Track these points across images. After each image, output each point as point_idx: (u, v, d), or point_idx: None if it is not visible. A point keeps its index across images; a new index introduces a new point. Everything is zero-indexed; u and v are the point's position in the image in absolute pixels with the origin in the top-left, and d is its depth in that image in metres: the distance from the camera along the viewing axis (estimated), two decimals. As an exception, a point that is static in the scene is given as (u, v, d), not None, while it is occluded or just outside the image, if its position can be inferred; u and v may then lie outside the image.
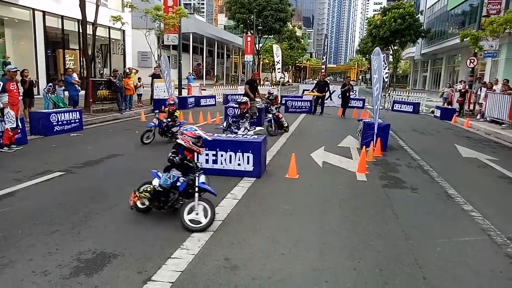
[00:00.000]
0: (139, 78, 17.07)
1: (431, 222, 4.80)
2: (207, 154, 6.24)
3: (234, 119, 9.39)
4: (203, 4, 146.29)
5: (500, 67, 26.83)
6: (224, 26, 69.10)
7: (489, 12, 19.16)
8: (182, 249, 3.71)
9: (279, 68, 21.76)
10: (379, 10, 48.83)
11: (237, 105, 9.95)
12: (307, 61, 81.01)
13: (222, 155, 6.23)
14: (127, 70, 16.52)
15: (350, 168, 7.36)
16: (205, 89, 25.58)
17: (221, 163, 6.25)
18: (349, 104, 17.32)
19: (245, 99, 9.67)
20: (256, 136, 7.02)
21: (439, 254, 3.91)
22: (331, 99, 20.76)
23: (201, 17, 70.40)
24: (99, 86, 14.01)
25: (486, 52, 18.31)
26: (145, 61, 31.24)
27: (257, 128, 9.44)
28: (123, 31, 22.95)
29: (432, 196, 5.87)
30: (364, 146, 8.25)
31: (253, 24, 40.02)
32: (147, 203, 4.45)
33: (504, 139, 11.72)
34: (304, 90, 21.42)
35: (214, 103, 19.26)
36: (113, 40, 23.81)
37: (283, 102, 18.65)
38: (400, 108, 20.01)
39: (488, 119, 14.99)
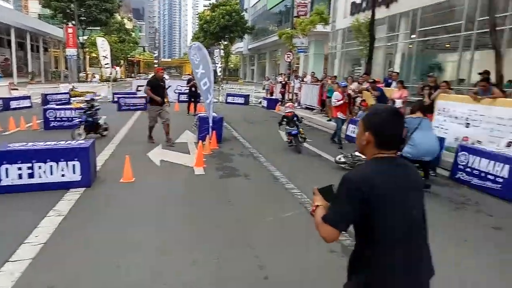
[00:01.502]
0: None
1: (261, 204, 5.32)
2: (19, 168, 5.31)
3: None
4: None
5: (310, 61, 31.61)
6: (39, 15, 59.70)
7: (299, 14, 22.11)
8: (-10, 287, 3.08)
9: (108, 64, 20.21)
10: (208, 6, 50.69)
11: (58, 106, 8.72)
12: (140, 55, 77.90)
13: (40, 167, 5.40)
14: None
15: (188, 163, 7.46)
16: (16, 89, 21.67)
17: (40, 176, 5.41)
18: (185, 99, 17.28)
19: None
20: (83, 141, 6.36)
21: (268, 232, 4.37)
22: (167, 94, 20.50)
23: (7, 3, 59.00)
24: None
25: (298, 48, 21.14)
26: None
27: None
28: None
29: (261, 180, 6.50)
30: (200, 140, 8.49)
31: (74, 14, 35.85)
32: None
33: (316, 123, 13.89)
34: (138, 86, 20.52)
35: (30, 104, 16.50)
36: None
37: (115, 99, 17.52)
38: (233, 100, 21.33)
39: (303, 106, 17.47)
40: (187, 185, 6.17)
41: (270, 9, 43.22)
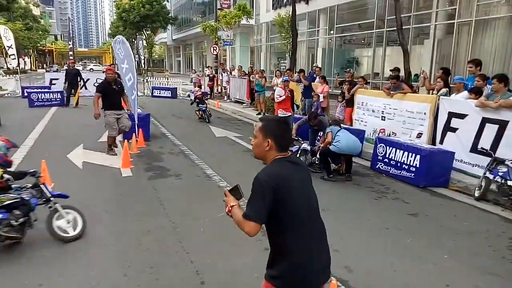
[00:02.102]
0: None
1: (194, 205, 5.22)
2: None
3: None
4: None
5: (237, 53, 31.69)
6: None
7: (222, 6, 21.95)
8: None
9: (14, 54, 18.09)
10: (126, -7, 47.83)
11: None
12: (52, 44, 71.12)
13: None
14: None
15: (114, 164, 7.05)
16: None
17: None
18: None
19: None
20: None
21: (203, 234, 4.31)
22: (86, 88, 19.15)
23: None
24: None
25: (224, 41, 21.02)
26: None
27: None
28: None
29: (193, 180, 6.38)
30: (126, 139, 8.06)
31: (-33, -3, 31.44)
32: None
33: (245, 116, 14.01)
34: (52, 79, 18.71)
35: None
36: None
37: (26, 94, 15.88)
38: (160, 93, 20.59)
39: (233, 99, 17.50)
40: (114, 188, 5.82)
41: (193, -1, 42.30)
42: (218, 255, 3.82)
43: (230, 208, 1.94)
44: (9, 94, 18.45)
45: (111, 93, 7.75)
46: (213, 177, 6.45)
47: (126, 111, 8.21)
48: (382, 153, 6.86)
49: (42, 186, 3.94)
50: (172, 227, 4.45)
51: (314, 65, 15.34)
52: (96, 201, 5.23)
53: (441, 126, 6.78)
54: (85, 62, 69.16)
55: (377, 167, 6.98)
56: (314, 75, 11.50)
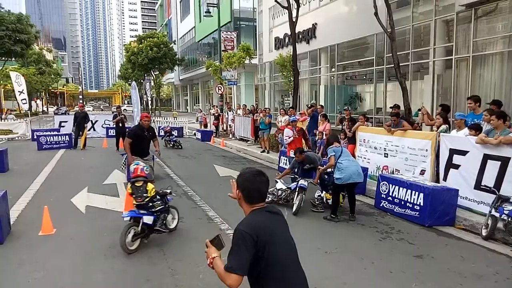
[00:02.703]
0: None
1: (195, 250, 5.15)
2: None
3: None
4: None
5: (242, 91, 32.37)
6: None
7: (226, 48, 22.72)
8: None
9: (24, 99, 18.68)
10: (135, 37, 49.89)
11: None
12: (63, 87, 73.46)
13: None
14: None
15: (117, 208, 7.05)
16: None
17: None
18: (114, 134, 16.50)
19: None
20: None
21: (201, 282, 4.23)
22: (94, 130, 19.60)
23: None
24: None
25: (228, 81, 21.56)
26: None
27: None
28: None
29: (195, 222, 6.34)
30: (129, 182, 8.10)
31: (-17, 45, 32.88)
32: None
33: (250, 154, 14.09)
34: (61, 122, 19.16)
35: None
36: None
37: (35, 137, 16.22)
38: (166, 133, 20.86)
39: (237, 137, 17.68)
40: (116, 234, 5.72)
41: (199, 41, 43.79)
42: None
43: (212, 260, 1.93)
44: (19, 137, 18.85)
45: (141, 140, 7.86)
46: (215, 219, 6.41)
47: (151, 157, 8.27)
48: (385, 191, 6.80)
49: (166, 196, 5.62)
50: (170, 274, 4.38)
51: (312, 101, 15.53)
52: (95, 247, 5.20)
53: (443, 163, 6.74)
54: (93, 103, 71.09)
55: (381, 205, 6.89)
56: (315, 112, 11.65)
